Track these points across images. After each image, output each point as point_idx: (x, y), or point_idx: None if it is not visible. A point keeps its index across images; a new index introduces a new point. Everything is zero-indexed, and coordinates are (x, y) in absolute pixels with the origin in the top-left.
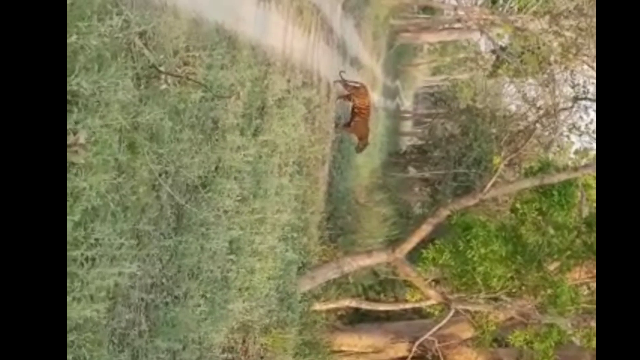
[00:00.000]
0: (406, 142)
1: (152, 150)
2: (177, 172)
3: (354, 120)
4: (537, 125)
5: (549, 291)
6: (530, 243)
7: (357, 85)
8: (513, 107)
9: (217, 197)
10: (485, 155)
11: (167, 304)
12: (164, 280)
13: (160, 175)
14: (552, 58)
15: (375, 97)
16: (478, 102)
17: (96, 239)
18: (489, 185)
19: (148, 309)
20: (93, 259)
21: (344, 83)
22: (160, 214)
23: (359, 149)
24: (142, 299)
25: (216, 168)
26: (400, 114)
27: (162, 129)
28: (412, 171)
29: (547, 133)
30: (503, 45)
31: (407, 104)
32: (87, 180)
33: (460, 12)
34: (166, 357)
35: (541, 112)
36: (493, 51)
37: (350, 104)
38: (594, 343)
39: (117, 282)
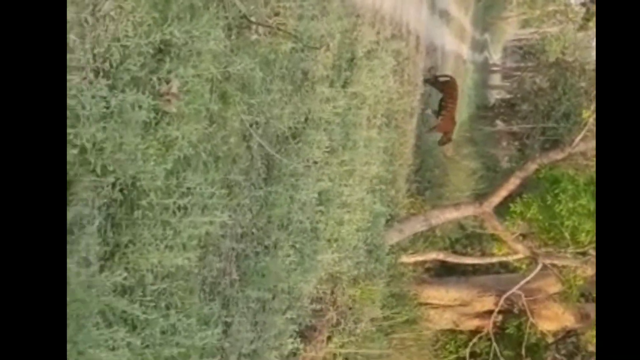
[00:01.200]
0: (494, 96)
1: (243, 100)
2: (268, 123)
3: (442, 113)
4: None
5: None
6: None
7: (447, 79)
8: None
9: (307, 148)
10: (574, 109)
11: (257, 253)
12: (254, 230)
13: (251, 125)
14: None
15: (464, 49)
16: (567, 56)
17: (188, 188)
18: (578, 139)
19: (238, 259)
20: (185, 208)
21: (434, 80)
22: (251, 164)
23: (442, 142)
24: (233, 249)
25: (306, 119)
26: (488, 67)
27: (252, 80)
28: (500, 125)
29: None
30: None
31: (496, 57)
32: (179, 129)
33: None
34: (256, 306)
35: None
36: (583, 4)
37: (440, 96)
38: None
39: (208, 231)
